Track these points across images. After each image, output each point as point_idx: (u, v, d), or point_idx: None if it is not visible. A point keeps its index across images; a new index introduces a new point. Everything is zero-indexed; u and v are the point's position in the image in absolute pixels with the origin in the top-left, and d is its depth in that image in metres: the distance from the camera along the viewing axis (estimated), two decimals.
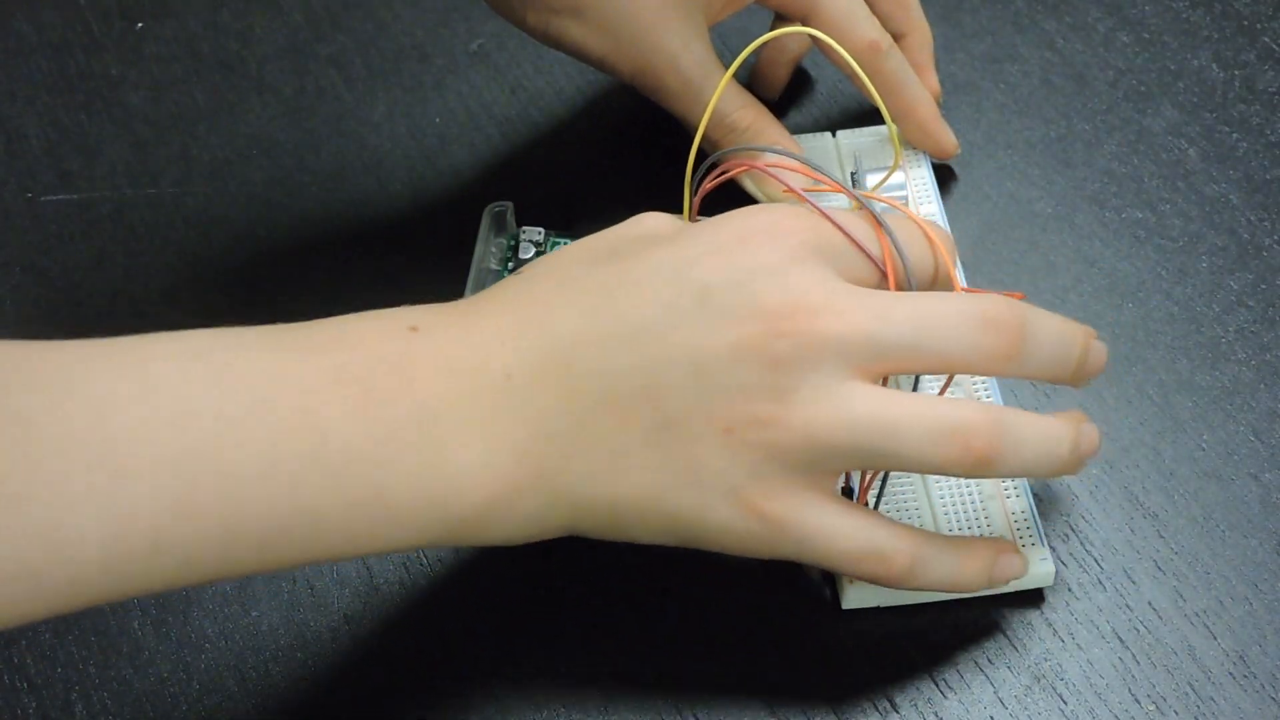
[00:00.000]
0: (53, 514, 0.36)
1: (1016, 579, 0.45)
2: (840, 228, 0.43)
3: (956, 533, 0.46)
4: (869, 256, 0.43)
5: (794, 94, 0.60)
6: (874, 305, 0.41)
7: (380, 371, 0.40)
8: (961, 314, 0.41)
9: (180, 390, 0.38)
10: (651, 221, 0.45)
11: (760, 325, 0.40)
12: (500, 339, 0.41)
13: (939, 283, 0.45)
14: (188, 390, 0.38)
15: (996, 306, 0.42)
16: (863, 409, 0.40)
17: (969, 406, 0.41)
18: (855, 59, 0.49)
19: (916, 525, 0.46)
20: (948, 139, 0.56)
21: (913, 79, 0.55)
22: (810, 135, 0.57)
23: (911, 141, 0.56)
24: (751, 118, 0.54)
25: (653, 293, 0.41)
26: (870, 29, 0.54)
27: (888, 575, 0.42)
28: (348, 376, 0.40)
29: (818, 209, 0.43)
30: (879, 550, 0.42)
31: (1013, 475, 0.44)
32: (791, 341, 0.40)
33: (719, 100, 0.54)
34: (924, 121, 0.55)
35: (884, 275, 0.43)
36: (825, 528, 0.41)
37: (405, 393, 0.40)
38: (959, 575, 0.44)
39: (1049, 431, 0.42)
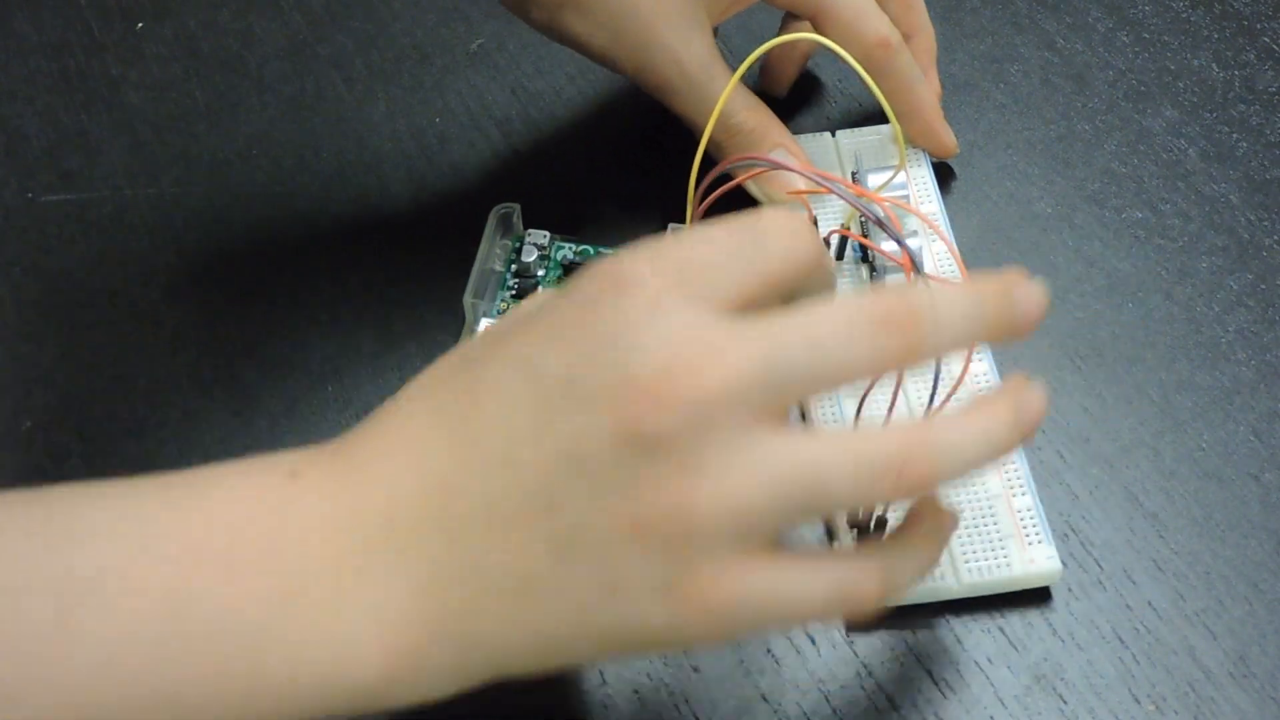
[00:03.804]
0: None
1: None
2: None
3: (964, 524, 0.46)
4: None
5: (794, 94, 0.60)
6: (758, 336, 0.36)
7: (252, 532, 0.36)
8: (852, 320, 0.36)
9: (24, 557, 0.34)
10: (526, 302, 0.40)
11: (637, 402, 0.35)
12: (377, 483, 0.37)
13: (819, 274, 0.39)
14: (32, 557, 0.34)
15: (885, 302, 0.37)
16: (777, 464, 0.35)
17: (890, 432, 0.37)
18: (865, 56, 0.49)
19: None
20: (949, 138, 0.56)
21: (920, 78, 0.55)
22: (810, 135, 0.57)
23: (914, 139, 0.56)
24: (755, 120, 0.54)
25: (512, 397, 0.36)
26: (881, 26, 0.53)
27: (869, 603, 0.37)
28: (217, 538, 0.36)
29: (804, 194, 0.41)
30: (846, 585, 0.37)
31: (959, 479, 0.38)
32: (677, 411, 0.34)
33: (724, 102, 0.54)
34: (929, 121, 0.56)
35: (763, 281, 0.37)
36: (779, 593, 0.36)
37: (280, 554, 0.36)
38: (943, 531, 0.40)
39: (981, 422, 0.37)
